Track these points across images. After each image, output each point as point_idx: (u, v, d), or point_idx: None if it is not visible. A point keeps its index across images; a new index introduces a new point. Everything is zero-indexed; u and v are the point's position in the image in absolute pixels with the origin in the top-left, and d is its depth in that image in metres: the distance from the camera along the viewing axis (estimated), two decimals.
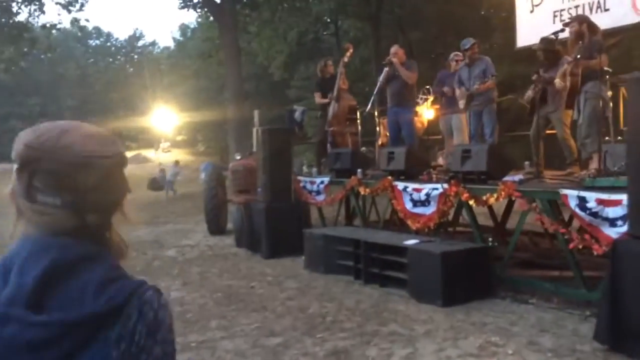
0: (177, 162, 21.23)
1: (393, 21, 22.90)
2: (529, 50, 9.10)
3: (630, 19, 6.64)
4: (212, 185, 9.97)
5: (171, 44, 52.55)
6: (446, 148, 7.92)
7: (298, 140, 9.49)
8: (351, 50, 8.21)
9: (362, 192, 6.91)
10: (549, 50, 6.44)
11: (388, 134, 9.01)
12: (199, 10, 19.68)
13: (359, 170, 7.12)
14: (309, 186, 7.92)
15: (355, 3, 23.14)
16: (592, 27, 5.56)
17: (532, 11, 8.00)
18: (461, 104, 7.16)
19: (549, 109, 6.42)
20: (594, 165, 5.53)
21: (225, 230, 9.65)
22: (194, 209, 13.03)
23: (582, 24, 5.60)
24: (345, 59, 8.20)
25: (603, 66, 5.39)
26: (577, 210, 4.46)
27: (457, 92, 7.19)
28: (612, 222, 4.21)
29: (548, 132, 6.82)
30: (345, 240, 6.06)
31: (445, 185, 5.66)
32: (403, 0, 23.66)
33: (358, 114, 8.14)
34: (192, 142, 47.84)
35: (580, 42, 5.59)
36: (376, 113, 7.65)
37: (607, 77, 5.19)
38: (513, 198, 5.07)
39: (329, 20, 28.25)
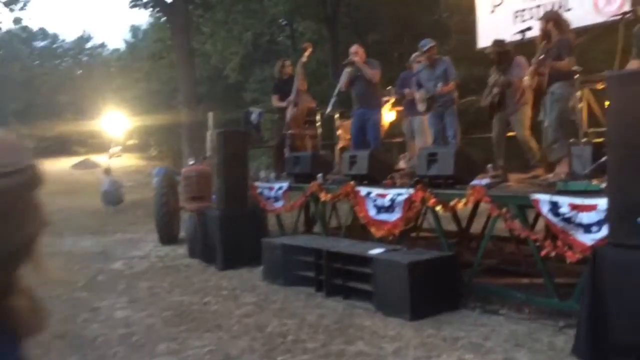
0: (107, 171, 16.12)
1: (350, 23, 22.76)
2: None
3: (591, 19, 6.55)
4: (164, 192, 9.45)
5: (122, 46, 51.10)
6: (408, 151, 7.68)
7: (255, 144, 9.08)
8: (310, 50, 7.89)
9: (323, 198, 6.58)
10: (501, 51, 6.30)
11: (349, 137, 8.73)
12: (150, 9, 18.92)
13: (319, 174, 6.79)
14: (266, 192, 7.53)
15: (311, 5, 22.90)
16: (560, 25, 5.39)
17: (492, 11, 7.86)
18: (421, 106, 6.94)
19: (508, 111, 6.30)
20: (562, 168, 5.37)
21: (177, 240, 9.14)
22: (145, 217, 12.41)
23: (548, 22, 5.44)
24: (304, 59, 7.87)
25: (571, 67, 5.24)
26: (550, 215, 4.25)
27: (416, 94, 6.96)
28: (587, 228, 4.01)
29: (509, 134, 6.69)
30: (305, 249, 5.71)
31: (411, 191, 5.39)
32: (359, 2, 23.56)
33: (317, 116, 7.82)
34: (144, 147, 46.55)
35: (546, 41, 5.43)
36: (336, 115, 7.34)
37: (576, 77, 5.01)
38: (482, 203, 4.83)
39: (284, 22, 27.91)
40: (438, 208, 5.14)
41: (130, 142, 50.36)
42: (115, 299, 5.64)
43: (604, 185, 4.22)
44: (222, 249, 6.98)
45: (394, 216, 5.64)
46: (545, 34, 5.45)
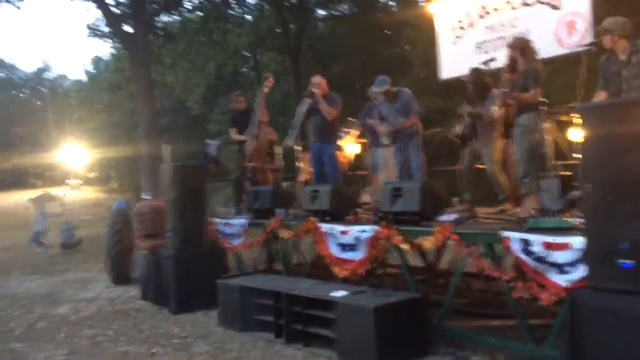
0: (40, 203, 14.48)
1: (313, 55, 22.76)
2: (449, 83, 8.94)
3: (554, 50, 6.48)
4: (117, 229, 8.95)
5: (83, 77, 50.20)
6: (372, 184, 7.42)
7: (213, 178, 8.70)
8: (271, 80, 7.61)
9: (284, 236, 6.22)
10: (479, 82, 6.14)
11: (311, 170, 8.43)
12: (108, 40, 18.52)
13: (280, 210, 6.45)
14: (225, 229, 7.12)
15: (274, 37, 22.86)
16: (527, 53, 5.21)
17: (454, 43, 7.77)
18: (385, 140, 6.73)
19: (478, 143, 6.11)
20: (532, 204, 5.17)
21: (131, 280, 8.61)
22: (100, 255, 11.71)
23: (515, 50, 5.26)
24: (265, 90, 7.59)
25: (537, 99, 5.08)
26: (522, 255, 4.00)
27: (380, 129, 6.74)
28: (561, 268, 3.77)
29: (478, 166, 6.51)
30: (264, 292, 5.32)
31: (375, 227, 5.09)
32: (322, 34, 23.67)
33: (279, 148, 7.52)
34: (105, 179, 45.43)
35: (513, 70, 5.27)
36: (299, 148, 7.05)
37: (544, 109, 4.85)
38: (450, 241, 4.56)
39: (248, 54, 27.79)
40: (404, 246, 4.85)
41: (91, 174, 49.14)
42: (53, 350, 5.11)
43: (576, 221, 4.02)
44: (176, 291, 6.53)
45: (358, 255, 5.33)
46: (512, 63, 5.29)
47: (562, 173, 5.67)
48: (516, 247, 4.03)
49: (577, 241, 3.67)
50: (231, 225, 7.02)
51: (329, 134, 6.88)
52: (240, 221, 6.90)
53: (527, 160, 5.12)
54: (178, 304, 6.49)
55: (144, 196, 8.54)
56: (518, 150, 5.19)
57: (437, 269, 6.68)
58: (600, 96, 4.77)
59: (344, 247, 5.47)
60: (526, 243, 3.97)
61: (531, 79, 5.07)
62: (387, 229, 4.98)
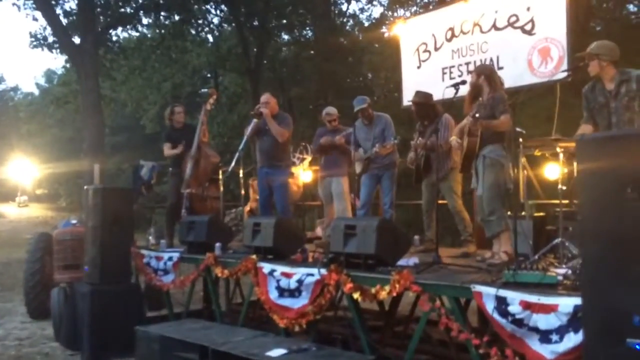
0: None
1: (273, 78, 22.15)
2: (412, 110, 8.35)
3: (527, 79, 5.95)
4: (38, 257, 7.87)
5: (35, 90, 48.38)
6: (326, 217, 6.68)
7: (145, 203, 7.78)
8: (215, 97, 6.83)
9: (219, 275, 5.39)
10: (424, 104, 5.57)
11: (258, 198, 7.64)
12: (54, 51, 17.41)
13: (217, 244, 5.62)
14: (154, 263, 6.22)
15: (235, 58, 22.19)
16: (492, 80, 4.66)
17: (419, 67, 7.19)
18: (357, 167, 6.05)
19: (434, 176, 5.48)
20: (502, 246, 4.51)
21: (50, 315, 7.54)
22: None
23: (479, 76, 4.69)
24: (208, 107, 6.79)
25: (506, 127, 4.49)
26: (496, 315, 3.29)
27: (354, 154, 6.08)
28: (545, 336, 3.07)
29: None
30: (188, 345, 4.45)
31: (323, 271, 4.32)
32: (283, 57, 23.15)
33: (220, 173, 6.70)
34: (54, 197, 43.44)
35: (480, 98, 4.68)
36: (241, 172, 6.25)
37: (521, 140, 4.22)
38: (411, 293, 3.82)
39: (208, 74, 26.99)
40: (356, 296, 4.08)
41: (39, 191, 46.95)
42: None
43: (560, 275, 3.36)
44: (91, 335, 5.60)
45: (300, 302, 4.54)
46: (475, 90, 4.71)
47: (537, 214, 5.09)
48: (490, 306, 3.32)
49: (565, 303, 2.99)
50: (161, 259, 6.13)
51: (279, 158, 6.13)
52: (171, 255, 6.03)
53: (492, 196, 4.50)
54: (92, 350, 5.56)
55: (71, 220, 7.50)
56: (481, 184, 4.57)
57: (395, 314, 5.91)
58: (585, 129, 4.19)
59: (284, 291, 4.68)
60: (502, 302, 3.27)
61: (500, 106, 4.49)
62: (337, 274, 4.21)
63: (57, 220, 28.86)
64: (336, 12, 22.99)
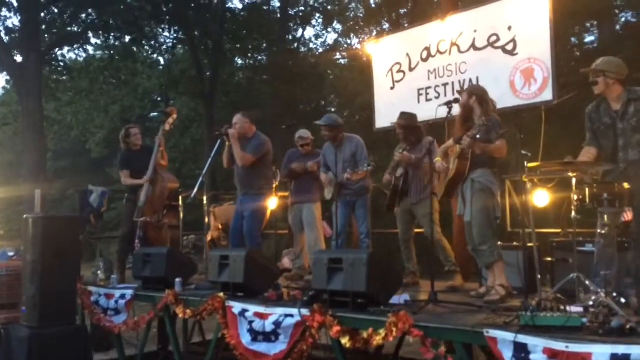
0: None
1: (228, 102, 21.60)
2: (379, 135, 8.03)
3: (509, 101, 5.67)
4: None
5: None
6: (295, 246, 6.15)
7: (93, 234, 7.04)
8: (174, 117, 6.24)
9: (181, 315, 4.75)
10: (410, 126, 5.22)
11: (221, 226, 7.06)
12: None
13: (177, 279, 4.99)
14: (103, 302, 5.50)
15: (187, 81, 21.56)
16: (484, 102, 4.32)
17: (392, 88, 6.85)
18: (327, 193, 5.58)
19: (411, 200, 5.11)
20: (496, 279, 4.12)
21: None
22: None
23: (470, 97, 4.35)
24: (167, 127, 6.20)
25: (503, 153, 4.16)
26: None
27: (323, 177, 5.63)
28: None
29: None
30: None
31: (305, 312, 3.79)
32: (238, 80, 22.72)
33: (180, 200, 6.08)
34: None
35: (467, 121, 4.34)
36: (205, 200, 5.66)
37: (528, 166, 3.84)
38: (410, 339, 3.33)
39: (157, 98, 26.17)
40: (344, 341, 3.56)
41: None
42: None
43: (584, 318, 2.96)
44: None
45: (277, 347, 3.96)
46: (466, 111, 4.37)
47: (529, 244, 4.72)
48: (507, 354, 2.88)
49: (601, 352, 2.58)
50: (112, 297, 5.42)
51: (250, 185, 5.59)
52: (124, 292, 5.34)
53: (482, 223, 4.14)
54: None
55: (8, 252, 6.67)
56: (469, 211, 4.19)
57: (380, 355, 5.42)
58: (589, 153, 3.89)
59: (257, 335, 4.11)
60: (522, 349, 2.83)
61: (495, 130, 4.14)
62: (321, 315, 3.69)
63: None
64: (290, 38, 22.81)
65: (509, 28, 5.71)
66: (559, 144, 5.33)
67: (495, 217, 4.30)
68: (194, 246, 9.41)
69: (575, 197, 3.50)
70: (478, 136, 3.92)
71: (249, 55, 22.92)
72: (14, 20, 16.66)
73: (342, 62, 22.53)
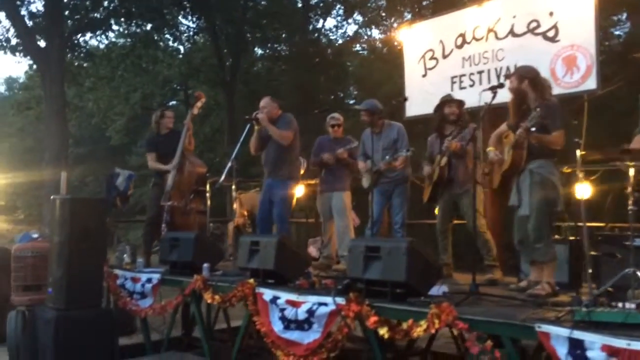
0: None
1: (247, 91, 21.52)
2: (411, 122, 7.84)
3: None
4: None
5: None
6: (323, 235, 6.03)
7: (119, 217, 6.98)
8: (203, 100, 6.14)
9: (209, 301, 4.66)
10: (462, 114, 5.02)
11: (247, 213, 6.96)
12: (17, 54, 16.33)
13: (205, 265, 4.90)
14: (129, 285, 5.44)
15: (208, 69, 21.51)
16: (538, 85, 4.03)
17: (424, 75, 6.68)
18: (364, 181, 5.45)
19: (455, 190, 4.91)
20: (545, 277, 3.93)
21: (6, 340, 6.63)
22: None
23: (522, 81, 4.08)
24: (195, 111, 6.11)
25: (561, 143, 3.91)
26: None
27: (361, 165, 5.48)
28: None
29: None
30: None
31: (340, 300, 3.66)
32: (259, 69, 22.62)
33: (208, 185, 5.98)
34: (11, 209, 41.52)
35: (520, 107, 4.12)
36: (233, 186, 5.56)
37: (581, 153, 3.65)
38: (454, 330, 3.20)
39: (177, 86, 26.16)
40: (383, 331, 3.43)
41: None
42: None
43: None
44: None
45: (310, 336, 3.85)
46: (518, 96, 4.11)
47: (571, 237, 4.56)
48: (562, 351, 2.73)
49: None
50: (138, 281, 5.36)
51: (281, 168, 5.47)
52: (151, 276, 5.27)
53: (541, 219, 3.90)
54: None
55: (32, 234, 6.63)
56: (527, 204, 3.96)
57: (411, 349, 5.25)
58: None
59: (289, 323, 4.00)
60: (577, 345, 2.67)
61: (552, 117, 3.86)
62: (357, 305, 3.56)
63: (13, 233, 27.36)
64: (310, 28, 22.63)
65: (551, 14, 5.51)
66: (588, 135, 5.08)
67: (556, 211, 4.06)
68: (210, 234, 9.32)
69: (630, 189, 3.31)
70: (533, 129, 3.68)
71: (269, 45, 22.78)
72: (38, 5, 16.73)
73: (363, 54, 22.37)
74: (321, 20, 23.51)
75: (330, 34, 23.95)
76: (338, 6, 23.43)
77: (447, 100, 5.09)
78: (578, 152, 3.41)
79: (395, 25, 19.12)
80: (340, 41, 23.39)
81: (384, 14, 21.03)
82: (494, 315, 3.14)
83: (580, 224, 3.88)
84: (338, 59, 21.11)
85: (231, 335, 6.19)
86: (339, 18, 24.07)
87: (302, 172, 6.80)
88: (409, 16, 18.39)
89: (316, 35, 23.03)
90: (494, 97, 4.05)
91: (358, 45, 23.10)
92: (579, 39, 5.30)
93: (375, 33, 21.72)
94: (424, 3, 18.55)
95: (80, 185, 26.19)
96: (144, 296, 5.34)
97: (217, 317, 6.57)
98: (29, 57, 16.51)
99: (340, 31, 26.56)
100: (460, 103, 5.06)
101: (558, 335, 2.76)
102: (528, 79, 4.03)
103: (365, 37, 22.70)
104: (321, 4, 23.14)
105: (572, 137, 3.95)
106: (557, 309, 3.17)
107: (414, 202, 5.59)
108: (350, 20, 24.00)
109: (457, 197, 4.96)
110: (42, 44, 15.46)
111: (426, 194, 5.17)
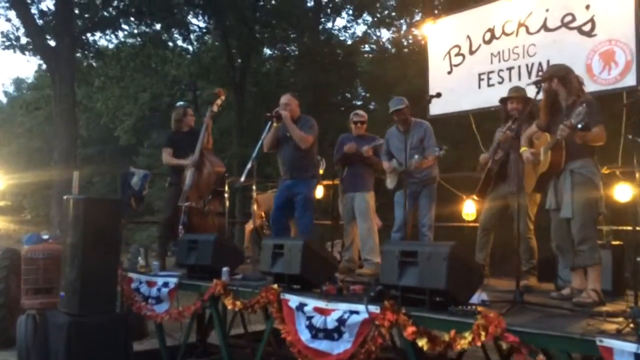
0: None
1: (257, 92, 21.34)
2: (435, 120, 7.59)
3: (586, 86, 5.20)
4: (2, 276, 6.76)
5: (2, 98, 46.65)
6: (345, 237, 5.78)
7: (134, 218, 6.76)
8: (223, 98, 5.94)
9: (230, 307, 4.43)
10: (523, 109, 4.59)
11: (263, 215, 6.73)
12: (27, 53, 16.21)
13: (224, 269, 4.67)
14: (144, 289, 5.22)
15: (218, 69, 21.33)
16: (567, 82, 3.83)
17: (450, 72, 6.44)
18: (389, 182, 5.21)
19: (509, 188, 4.56)
20: (590, 283, 3.68)
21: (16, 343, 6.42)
22: None
23: (551, 80, 3.87)
24: (215, 109, 5.89)
25: (602, 140, 3.69)
26: None
27: (386, 165, 5.24)
28: None
29: None
30: None
31: (373, 308, 3.42)
32: (268, 70, 22.43)
33: (227, 185, 5.75)
34: (18, 209, 41.54)
35: (551, 107, 3.89)
36: (254, 186, 5.33)
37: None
38: (503, 344, 2.95)
39: (185, 87, 25.98)
40: (422, 343, 3.19)
41: (2, 203, 44.89)
42: None
43: None
44: None
45: (341, 346, 3.61)
46: (549, 97, 3.89)
47: (614, 242, 4.30)
48: None
49: None
50: (154, 285, 5.14)
51: (303, 168, 5.25)
52: (167, 280, 5.04)
53: (585, 221, 3.66)
54: None
55: (43, 236, 6.42)
56: (569, 205, 3.72)
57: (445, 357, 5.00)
58: None
59: (317, 332, 3.76)
60: None
61: (592, 114, 3.63)
62: (393, 313, 3.32)
63: (19, 234, 27.24)
64: (320, 28, 22.42)
65: (587, 7, 5.26)
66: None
67: (599, 213, 3.82)
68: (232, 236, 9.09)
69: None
70: (579, 126, 3.44)
71: (278, 45, 22.59)
72: (49, 3, 16.61)
73: (374, 54, 22.15)
74: (331, 21, 23.35)
75: (340, 35, 23.81)
76: (347, 6, 23.25)
77: (509, 97, 4.73)
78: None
79: (404, 26, 18.93)
80: (349, 42, 23.23)
81: (393, 14, 20.84)
82: (546, 327, 2.88)
83: (625, 227, 3.61)
84: (349, 59, 20.89)
85: (249, 341, 5.98)
86: (347, 19, 23.93)
87: (321, 171, 6.59)
88: (418, 16, 18.16)
89: (325, 35, 22.84)
90: (538, 92, 3.81)
91: (367, 45, 22.93)
92: (617, 33, 5.04)
93: (385, 33, 21.55)
94: (435, 2, 18.33)
95: (87, 186, 26.07)
96: (160, 301, 5.12)
97: (233, 322, 6.35)
98: (38, 57, 16.38)
99: (349, 32, 26.37)
100: (525, 99, 4.68)
101: (622, 350, 2.52)
102: (557, 78, 3.83)
103: (374, 38, 22.56)
104: (331, 5, 22.95)
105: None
106: (613, 319, 2.93)
107: (440, 203, 5.34)
108: (359, 21, 23.84)
109: (509, 196, 4.58)
110: (52, 43, 15.34)
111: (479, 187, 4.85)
